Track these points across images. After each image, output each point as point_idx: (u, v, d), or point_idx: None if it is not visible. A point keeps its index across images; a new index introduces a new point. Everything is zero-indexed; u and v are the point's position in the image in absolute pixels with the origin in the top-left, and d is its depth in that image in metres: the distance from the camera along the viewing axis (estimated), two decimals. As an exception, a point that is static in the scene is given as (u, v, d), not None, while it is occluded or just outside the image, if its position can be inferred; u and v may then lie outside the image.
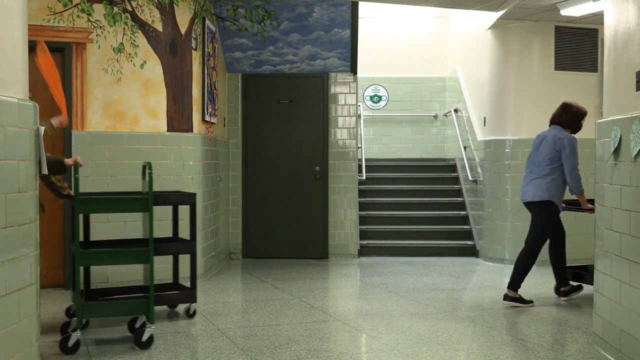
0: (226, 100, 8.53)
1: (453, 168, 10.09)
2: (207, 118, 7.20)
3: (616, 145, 4.04)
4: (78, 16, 6.28)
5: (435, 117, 10.74)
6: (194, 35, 6.85)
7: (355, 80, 8.69)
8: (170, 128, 6.63)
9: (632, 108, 3.92)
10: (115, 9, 6.38)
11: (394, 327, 4.99)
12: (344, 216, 8.61)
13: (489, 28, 8.17)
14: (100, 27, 6.35)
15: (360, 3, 7.98)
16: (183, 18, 6.71)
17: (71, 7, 6.26)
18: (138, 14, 6.45)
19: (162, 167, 6.58)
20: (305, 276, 7.31)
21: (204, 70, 7.10)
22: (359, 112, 9.62)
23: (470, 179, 8.94)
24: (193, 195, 5.39)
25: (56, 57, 6.31)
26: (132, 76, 6.46)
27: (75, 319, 4.45)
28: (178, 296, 5.35)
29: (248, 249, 8.64)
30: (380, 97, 10.81)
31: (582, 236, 7.95)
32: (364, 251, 8.75)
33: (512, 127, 8.07)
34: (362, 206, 9.07)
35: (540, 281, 6.95)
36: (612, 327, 4.11)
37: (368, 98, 10.81)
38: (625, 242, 3.92)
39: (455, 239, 8.98)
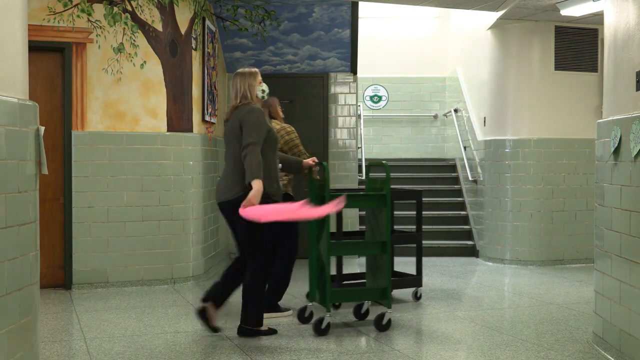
0: (226, 100, 8.53)
1: (453, 168, 10.09)
2: (207, 118, 7.20)
3: (616, 145, 4.04)
4: (78, 16, 6.28)
5: (435, 117, 10.74)
6: (194, 35, 6.85)
7: (355, 80, 8.69)
8: (170, 128, 6.63)
9: (632, 108, 3.92)
10: (115, 9, 6.38)
11: (394, 327, 4.99)
12: (344, 216, 8.59)
13: (489, 28, 8.17)
14: (100, 27, 6.35)
15: (360, 3, 7.98)
16: (183, 18, 6.71)
17: (71, 7, 6.26)
18: (138, 14, 6.45)
19: (162, 167, 6.58)
20: (305, 276, 7.29)
21: (204, 70, 7.10)
22: (359, 112, 9.62)
23: (470, 179, 8.94)
24: (420, 192, 6.27)
25: (56, 57, 6.33)
26: (132, 76, 6.46)
27: (309, 303, 5.10)
28: (408, 281, 6.00)
29: (248, 249, 8.62)
30: (380, 97, 10.80)
31: (582, 236, 7.96)
32: (364, 251, 8.74)
33: (512, 127, 8.07)
34: (362, 206, 9.06)
35: (540, 281, 6.95)
36: (612, 327, 4.11)
37: (368, 98, 10.81)
38: (625, 242, 3.92)
39: (455, 239, 8.97)
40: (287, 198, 5.72)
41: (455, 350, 4.39)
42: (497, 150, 8.19)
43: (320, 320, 4.76)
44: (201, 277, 6.89)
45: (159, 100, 6.57)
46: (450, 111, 10.13)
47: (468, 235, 8.99)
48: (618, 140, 4.01)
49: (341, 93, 8.65)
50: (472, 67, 9.30)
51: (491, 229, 8.25)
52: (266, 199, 4.53)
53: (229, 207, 4.61)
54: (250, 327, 4.67)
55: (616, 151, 4.05)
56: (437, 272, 7.54)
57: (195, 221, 6.82)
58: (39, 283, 3.33)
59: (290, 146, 5.55)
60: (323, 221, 4.81)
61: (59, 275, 6.42)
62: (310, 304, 5.11)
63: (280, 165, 5.03)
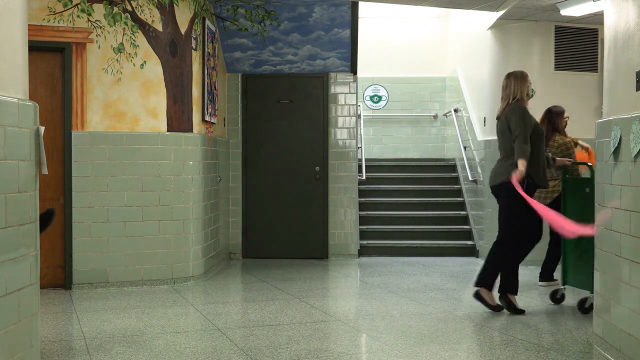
0: (226, 100, 8.54)
1: (453, 168, 10.09)
2: (207, 118, 7.20)
3: (616, 145, 4.04)
4: (78, 16, 6.28)
5: (435, 117, 10.74)
6: (194, 35, 6.85)
7: (355, 80, 8.69)
8: (170, 128, 6.63)
9: (632, 108, 3.92)
10: (115, 9, 6.38)
11: (394, 327, 4.99)
12: (344, 216, 8.61)
13: (489, 28, 8.17)
14: (100, 27, 6.35)
15: (360, 3, 7.98)
16: (183, 18, 6.71)
17: (71, 7, 6.26)
18: (138, 14, 6.45)
19: (162, 167, 6.59)
20: (305, 276, 7.31)
21: (204, 70, 7.10)
22: (359, 112, 9.62)
23: (470, 179, 8.94)
24: None
25: (56, 57, 6.33)
26: (132, 76, 6.46)
27: (561, 286, 5.79)
28: None
29: (248, 249, 8.64)
30: (380, 97, 10.80)
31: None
32: (364, 251, 8.75)
33: (512, 127, 8.05)
34: (362, 206, 9.07)
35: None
36: (612, 327, 4.11)
37: (368, 98, 10.81)
38: (625, 242, 3.92)
39: (455, 239, 8.97)
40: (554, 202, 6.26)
41: (455, 350, 4.40)
42: (497, 150, 8.15)
43: (584, 301, 5.36)
44: (201, 277, 6.89)
45: (159, 100, 6.57)
46: (450, 111, 10.13)
47: (468, 235, 8.99)
48: (618, 140, 4.01)
49: (341, 93, 8.65)
50: (472, 67, 9.30)
51: (491, 229, 8.23)
52: (531, 183, 5.36)
53: (496, 191, 5.56)
54: (480, 286, 5.45)
55: (616, 151, 4.05)
56: (437, 272, 7.55)
57: (195, 221, 6.82)
58: (39, 283, 3.34)
59: (565, 155, 6.29)
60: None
61: (59, 275, 6.42)
62: (563, 287, 5.67)
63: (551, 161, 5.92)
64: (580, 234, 4.87)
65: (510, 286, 5.47)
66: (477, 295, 5.49)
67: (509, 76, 5.55)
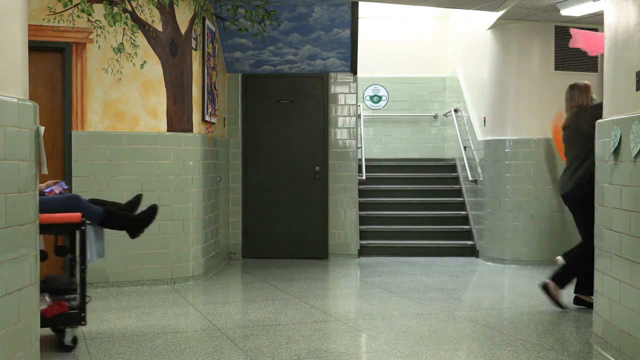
0: (226, 100, 8.54)
1: (453, 168, 10.09)
2: (207, 118, 7.20)
3: (616, 145, 4.04)
4: (78, 16, 6.28)
5: (435, 117, 10.74)
6: (194, 35, 6.85)
7: (355, 80, 8.69)
8: (170, 128, 6.63)
9: (632, 108, 3.92)
10: (115, 9, 6.38)
11: (394, 327, 4.99)
12: (344, 216, 8.61)
13: (489, 28, 8.17)
14: (100, 27, 6.35)
15: (360, 3, 7.98)
16: (183, 18, 6.71)
17: (71, 7, 6.26)
18: (138, 14, 6.45)
19: (162, 167, 6.59)
20: (305, 276, 7.32)
21: (204, 70, 7.10)
22: (359, 112, 9.62)
23: (470, 179, 8.94)
24: None
25: (56, 57, 6.33)
26: (132, 76, 6.46)
27: None
28: None
29: (248, 249, 8.64)
30: (380, 97, 10.81)
31: (582, 236, 7.95)
32: (364, 251, 8.75)
33: (512, 127, 8.07)
34: (362, 206, 9.07)
35: (540, 281, 6.94)
36: (612, 327, 4.11)
37: (368, 98, 10.81)
38: (625, 242, 3.92)
39: (455, 239, 8.97)
40: None
41: (455, 350, 4.40)
42: (497, 150, 8.19)
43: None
44: (201, 277, 6.89)
45: (159, 100, 6.57)
46: (450, 111, 10.13)
47: (468, 235, 8.99)
48: (618, 140, 4.01)
49: (341, 93, 8.65)
50: (472, 67, 9.30)
51: (491, 229, 8.25)
52: (590, 178, 5.22)
53: (570, 198, 5.62)
54: (554, 282, 5.56)
55: (616, 151, 4.05)
56: (437, 272, 7.55)
57: (195, 221, 6.82)
58: (39, 283, 3.33)
59: None
60: None
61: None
62: None
63: None
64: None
65: (562, 284, 5.65)
66: (545, 288, 5.66)
67: (573, 87, 5.75)
